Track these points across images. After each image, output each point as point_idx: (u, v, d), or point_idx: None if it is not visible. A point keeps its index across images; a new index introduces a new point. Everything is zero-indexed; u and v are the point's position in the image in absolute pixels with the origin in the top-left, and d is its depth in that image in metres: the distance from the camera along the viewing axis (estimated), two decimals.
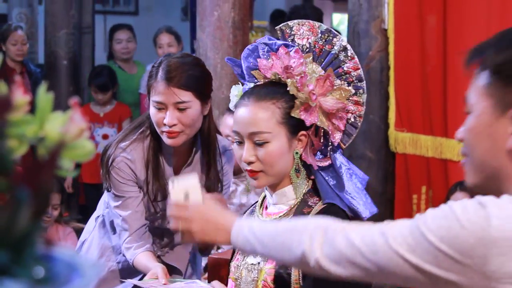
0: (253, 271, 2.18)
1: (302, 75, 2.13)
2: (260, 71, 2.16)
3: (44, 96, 0.94)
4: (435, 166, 4.52)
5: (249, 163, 2.13)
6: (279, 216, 2.18)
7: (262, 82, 2.18)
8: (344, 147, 2.22)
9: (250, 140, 2.13)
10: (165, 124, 2.68)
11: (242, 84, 2.28)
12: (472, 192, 1.57)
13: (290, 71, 2.13)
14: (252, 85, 2.20)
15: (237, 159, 2.21)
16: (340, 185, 2.19)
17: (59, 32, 5.83)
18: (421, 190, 4.63)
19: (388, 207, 4.69)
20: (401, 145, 4.68)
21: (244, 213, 2.36)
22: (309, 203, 2.18)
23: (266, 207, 2.26)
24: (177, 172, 2.83)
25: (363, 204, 2.20)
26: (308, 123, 2.12)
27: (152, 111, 2.72)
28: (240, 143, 2.16)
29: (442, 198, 4.42)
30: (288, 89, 2.12)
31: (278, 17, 6.47)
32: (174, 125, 2.68)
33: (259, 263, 2.17)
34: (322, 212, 2.14)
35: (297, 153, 2.16)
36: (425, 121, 4.55)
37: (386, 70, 4.65)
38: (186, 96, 2.69)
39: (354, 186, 2.21)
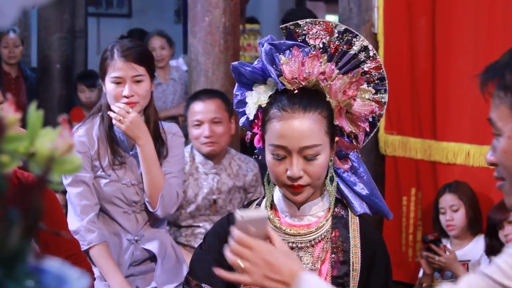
0: None
1: (332, 80, 2.03)
2: (285, 77, 2.01)
3: (35, 113, 0.99)
4: (424, 168, 4.56)
5: (298, 178, 1.99)
6: (315, 229, 2.07)
7: (292, 89, 2.01)
8: (360, 147, 2.12)
9: (300, 154, 1.98)
10: (124, 97, 3.02)
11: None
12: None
13: (326, 76, 2.02)
14: (269, 91, 2.05)
15: (276, 174, 2.02)
16: (364, 186, 2.13)
17: (52, 36, 5.86)
18: (411, 192, 4.67)
19: None
20: (390, 147, 4.73)
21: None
22: (342, 213, 2.11)
23: (276, 214, 2.12)
24: (130, 143, 3.13)
25: (385, 203, 2.16)
26: (346, 130, 2.04)
27: (110, 87, 3.05)
28: (282, 158, 2.01)
29: (430, 200, 4.48)
30: (326, 94, 2.02)
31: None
32: (132, 96, 3.03)
33: None
34: (363, 227, 2.09)
35: (331, 160, 2.07)
36: (415, 124, 4.60)
37: None
38: (141, 69, 3.06)
39: (374, 186, 2.16)
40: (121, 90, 3.03)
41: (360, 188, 2.13)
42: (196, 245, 3.80)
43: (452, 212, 4.08)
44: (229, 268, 2.04)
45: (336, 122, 2.02)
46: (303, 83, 2.00)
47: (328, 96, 2.01)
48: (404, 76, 4.59)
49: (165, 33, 6.33)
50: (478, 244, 4.06)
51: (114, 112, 3.02)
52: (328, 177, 2.07)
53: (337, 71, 2.07)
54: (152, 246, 3.15)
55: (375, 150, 4.75)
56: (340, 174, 2.15)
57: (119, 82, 3.04)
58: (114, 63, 3.04)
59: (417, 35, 4.55)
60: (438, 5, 4.41)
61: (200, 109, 3.81)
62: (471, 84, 4.45)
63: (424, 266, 4.07)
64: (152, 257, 3.19)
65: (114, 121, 3.03)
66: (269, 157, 2.02)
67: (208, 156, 3.89)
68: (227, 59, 4.22)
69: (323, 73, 2.01)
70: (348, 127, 2.04)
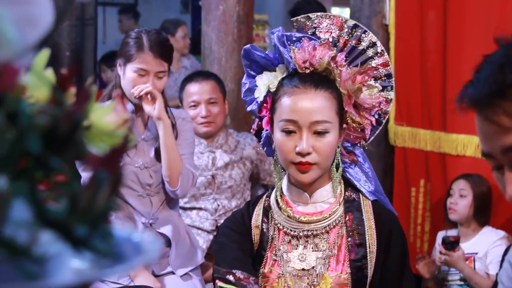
0: (307, 276, 2.06)
1: (343, 68, 2.07)
2: (296, 60, 2.04)
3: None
4: (433, 160, 4.58)
5: (306, 154, 2.01)
6: (329, 214, 2.09)
7: (303, 71, 2.05)
8: (365, 144, 2.16)
9: (310, 129, 2.01)
10: None
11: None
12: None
13: (336, 62, 2.05)
14: (279, 77, 2.09)
15: (284, 151, 2.04)
16: (369, 181, 2.16)
17: (62, 23, 5.87)
18: (420, 184, 4.69)
19: None
20: (400, 139, 4.74)
21: (249, 205, 2.22)
22: (353, 196, 2.14)
23: (288, 204, 2.14)
24: (142, 129, 3.21)
25: (388, 201, 2.19)
26: (354, 116, 2.07)
27: (132, 76, 3.10)
28: (290, 132, 2.03)
29: (440, 192, 4.49)
30: (337, 79, 2.05)
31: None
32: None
33: (313, 267, 2.05)
34: (376, 208, 2.12)
35: (338, 146, 2.09)
36: (424, 116, 4.61)
37: None
38: (165, 66, 3.18)
39: (378, 183, 2.18)
40: (143, 81, 3.10)
41: (364, 183, 2.16)
42: (202, 226, 3.85)
43: (459, 196, 4.10)
44: (252, 255, 2.08)
45: (346, 108, 2.05)
46: (315, 66, 2.03)
47: (338, 82, 2.04)
48: (415, 67, 4.61)
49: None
50: (484, 237, 4.07)
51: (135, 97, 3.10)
52: (334, 163, 2.09)
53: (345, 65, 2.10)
54: (166, 230, 3.19)
55: (385, 141, 4.76)
56: (345, 169, 2.17)
57: (142, 75, 3.11)
58: (143, 55, 3.11)
59: (429, 27, 4.56)
60: None
61: (196, 90, 3.87)
62: None
63: (422, 272, 4.10)
64: (167, 242, 3.22)
65: (145, 104, 3.09)
66: (278, 135, 2.05)
67: (204, 136, 3.93)
68: (241, 48, 4.20)
69: (333, 59, 2.04)
70: (355, 114, 2.07)
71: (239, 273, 2.05)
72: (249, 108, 2.19)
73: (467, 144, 4.37)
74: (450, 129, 4.45)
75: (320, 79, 2.04)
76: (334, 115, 2.03)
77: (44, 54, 0.91)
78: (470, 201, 4.08)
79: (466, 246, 4.09)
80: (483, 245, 4.05)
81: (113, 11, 9.58)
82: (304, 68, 2.05)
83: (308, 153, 2.01)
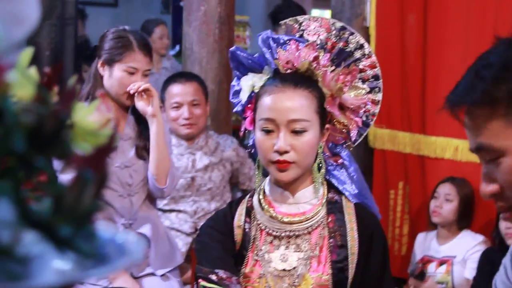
0: (288, 277, 2.06)
1: (327, 68, 2.08)
2: (280, 61, 2.06)
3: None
4: (412, 162, 4.59)
5: (284, 152, 2.01)
6: (311, 215, 2.09)
7: (285, 71, 2.06)
8: (353, 146, 2.16)
9: (287, 128, 2.02)
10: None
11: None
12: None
13: (319, 62, 2.06)
14: (264, 78, 2.10)
15: (263, 150, 2.05)
16: (353, 184, 2.16)
17: (42, 22, 5.83)
18: (398, 186, 4.70)
19: None
20: (379, 141, 4.76)
21: (232, 205, 2.21)
22: (336, 198, 2.14)
23: (270, 204, 2.14)
24: (120, 128, 3.19)
25: (374, 204, 2.20)
26: (336, 116, 2.07)
27: (121, 75, 3.11)
28: (269, 132, 2.04)
29: (419, 194, 4.51)
30: (319, 79, 2.06)
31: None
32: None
33: (295, 268, 2.06)
34: (359, 211, 2.12)
35: (321, 147, 2.09)
36: (404, 118, 4.63)
37: None
38: (151, 65, 3.25)
39: (364, 185, 2.19)
40: (132, 80, 3.12)
41: (349, 187, 2.16)
42: (181, 228, 3.84)
43: (444, 200, 4.12)
44: (234, 255, 2.08)
45: (328, 108, 2.05)
46: (296, 66, 2.05)
47: (321, 83, 2.05)
48: (395, 70, 4.62)
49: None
50: (463, 241, 4.09)
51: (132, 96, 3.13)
52: (316, 163, 2.09)
53: (332, 67, 2.11)
54: (145, 230, 3.18)
55: (364, 143, 4.77)
56: (331, 171, 2.17)
57: (133, 72, 3.13)
58: (134, 54, 3.13)
59: (409, 30, 4.59)
60: (429, 0, 4.44)
61: (179, 91, 3.85)
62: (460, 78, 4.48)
63: None
64: (146, 242, 3.21)
65: (138, 101, 3.10)
66: (258, 134, 2.06)
67: (185, 138, 3.91)
68: (222, 49, 4.23)
69: (316, 59, 2.05)
70: (338, 115, 2.07)
71: (221, 273, 2.05)
72: (235, 109, 2.21)
73: (445, 147, 4.39)
74: (429, 132, 4.47)
75: (300, 78, 2.05)
76: (313, 114, 2.04)
77: (28, 52, 0.90)
78: (456, 206, 4.10)
79: (445, 249, 4.11)
80: (461, 249, 4.07)
81: (93, 11, 9.54)
82: (286, 69, 2.06)
83: (286, 152, 2.01)
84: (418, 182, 4.55)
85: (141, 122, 3.20)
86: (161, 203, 3.87)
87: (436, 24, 4.41)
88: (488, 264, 3.80)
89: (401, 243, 4.71)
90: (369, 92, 2.15)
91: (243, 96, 2.13)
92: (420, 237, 4.30)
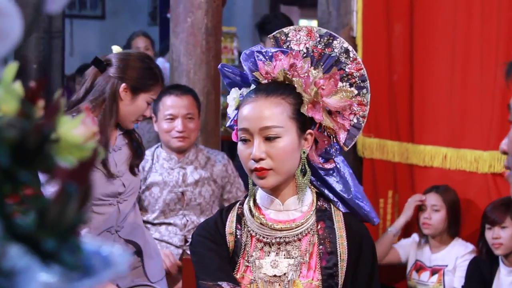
0: (278, 283, 2.09)
1: (307, 74, 2.09)
2: (260, 72, 2.10)
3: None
4: (401, 171, 4.61)
5: (259, 160, 2.05)
6: (301, 222, 2.12)
7: (265, 82, 2.11)
8: (346, 149, 2.16)
9: (260, 135, 2.06)
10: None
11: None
12: None
13: (296, 69, 2.08)
14: (252, 86, 2.14)
15: (243, 159, 2.10)
16: (347, 189, 2.17)
17: (30, 36, 5.83)
18: (388, 195, 4.72)
19: None
20: (368, 150, 4.78)
21: (222, 212, 2.23)
22: (325, 206, 2.16)
23: (261, 211, 2.16)
24: (112, 141, 3.20)
25: (371, 208, 2.20)
26: (317, 120, 2.08)
27: (144, 105, 3.17)
28: (246, 141, 2.08)
29: None
30: (296, 86, 2.07)
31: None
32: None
33: (285, 274, 2.09)
34: (347, 219, 2.15)
35: (304, 152, 2.10)
36: (392, 127, 4.65)
37: None
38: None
39: (360, 190, 2.20)
40: (148, 111, 3.20)
41: (343, 192, 2.17)
42: (171, 241, 3.85)
43: (432, 211, 4.13)
44: (228, 262, 2.10)
45: (308, 113, 2.06)
46: (274, 76, 2.08)
47: (300, 88, 2.07)
48: (382, 79, 4.64)
49: (149, 34, 6.43)
50: (454, 249, 4.11)
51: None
52: (299, 169, 2.11)
53: (313, 70, 2.13)
54: (133, 237, 3.20)
55: (353, 152, 4.79)
56: (324, 177, 2.18)
57: (150, 103, 3.21)
58: (158, 88, 3.22)
59: (395, 39, 4.61)
60: (415, 10, 4.46)
61: (174, 103, 3.84)
62: (448, 88, 4.50)
63: None
64: (136, 251, 3.21)
65: None
66: (239, 145, 2.11)
67: (177, 151, 3.91)
68: (209, 60, 4.25)
69: (293, 65, 2.08)
70: (321, 119, 2.08)
71: (225, 285, 2.07)
72: (227, 124, 2.26)
73: (434, 155, 4.41)
74: (417, 141, 4.49)
75: (275, 86, 2.09)
76: (286, 120, 2.06)
77: (13, 67, 0.90)
78: (444, 214, 4.12)
79: (437, 258, 4.12)
80: (452, 257, 4.08)
81: (80, 24, 9.55)
82: (265, 79, 2.10)
83: (262, 159, 2.05)
84: (407, 191, 4.56)
85: (133, 140, 3.24)
86: (150, 217, 3.87)
87: (422, 33, 4.43)
88: (476, 273, 3.81)
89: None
90: (357, 94, 2.16)
91: (230, 111, 2.19)
92: (410, 240, 4.31)
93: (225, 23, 7.19)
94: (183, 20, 4.26)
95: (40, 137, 0.67)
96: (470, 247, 4.08)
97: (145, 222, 3.88)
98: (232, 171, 4.00)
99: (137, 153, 3.22)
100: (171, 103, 3.84)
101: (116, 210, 3.17)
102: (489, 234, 3.76)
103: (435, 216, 4.12)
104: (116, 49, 3.19)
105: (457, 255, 4.06)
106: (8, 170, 0.65)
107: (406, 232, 4.49)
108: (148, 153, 3.83)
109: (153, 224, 3.89)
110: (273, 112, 2.05)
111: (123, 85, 3.09)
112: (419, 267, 4.18)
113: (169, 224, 3.88)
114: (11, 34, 0.72)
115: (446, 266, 4.08)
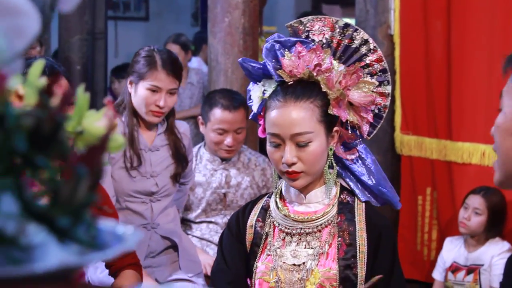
0: (297, 271, 2.15)
1: (331, 72, 2.12)
2: (285, 70, 2.11)
3: (82, 95, 1.07)
4: (439, 168, 4.62)
5: (291, 164, 2.11)
6: (322, 214, 2.18)
7: (289, 82, 2.13)
8: (368, 138, 2.22)
9: (292, 141, 2.10)
10: (156, 105, 3.21)
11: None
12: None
13: (320, 68, 2.11)
14: (273, 85, 2.16)
15: (274, 161, 2.15)
16: (370, 176, 2.21)
17: (72, 37, 5.95)
18: (426, 192, 4.73)
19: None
20: (406, 147, 4.79)
21: (247, 205, 2.32)
22: (348, 199, 2.22)
23: (285, 204, 2.24)
24: (150, 141, 3.32)
25: (394, 194, 2.24)
26: (344, 119, 2.13)
27: (144, 93, 3.20)
28: (277, 145, 2.13)
29: (446, 199, 4.53)
30: (321, 86, 2.10)
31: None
32: (163, 107, 3.22)
33: (304, 263, 2.16)
34: (369, 211, 2.20)
35: (331, 149, 2.16)
36: (430, 124, 4.65)
37: (392, 74, 4.73)
38: (176, 84, 3.28)
39: (382, 175, 2.24)
40: (156, 98, 3.22)
41: (367, 178, 2.22)
42: (212, 239, 3.91)
43: (473, 213, 4.11)
44: (246, 253, 2.18)
45: (334, 112, 2.11)
46: (299, 76, 2.11)
47: (325, 87, 2.10)
48: (420, 76, 4.65)
49: (181, 39, 6.58)
50: (490, 248, 4.09)
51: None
52: (327, 165, 2.17)
53: (338, 64, 2.17)
54: (170, 234, 3.28)
55: (391, 150, 4.81)
56: (348, 165, 2.24)
57: (155, 91, 3.22)
58: (156, 73, 3.21)
59: (433, 37, 4.61)
60: (453, 6, 4.46)
61: (227, 119, 3.80)
62: (486, 85, 4.47)
63: None
64: (169, 248, 3.30)
65: None
66: (268, 146, 2.16)
67: (221, 158, 3.96)
68: None
69: (318, 65, 2.10)
70: (347, 116, 2.13)
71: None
72: (250, 116, 2.29)
73: (472, 152, 4.40)
74: (455, 138, 4.49)
75: (303, 88, 2.12)
76: (316, 124, 2.11)
77: (39, 65, 0.97)
78: (484, 219, 4.09)
79: (472, 257, 4.11)
80: (488, 257, 4.07)
81: (124, 25, 9.68)
82: (291, 76, 2.12)
83: (293, 163, 2.11)
84: (446, 188, 4.56)
85: (177, 148, 3.34)
86: (192, 215, 3.94)
87: (460, 30, 4.43)
88: None
89: (430, 248, 4.72)
90: (378, 85, 2.20)
91: (254, 107, 2.22)
92: (448, 241, 4.31)
93: (267, 23, 7.24)
94: (220, 20, 4.33)
95: (53, 124, 0.74)
96: (507, 245, 4.06)
97: (187, 220, 3.95)
98: (270, 175, 4.03)
99: (180, 162, 3.33)
100: (222, 118, 3.81)
101: (149, 208, 3.26)
102: None
103: (475, 218, 4.10)
104: None
105: (493, 254, 4.05)
106: (26, 154, 0.72)
107: (445, 233, 4.50)
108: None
109: (195, 222, 3.96)
110: (303, 118, 2.09)
111: (129, 80, 3.26)
112: (455, 268, 4.18)
113: (210, 222, 3.94)
114: (29, 32, 0.79)
115: (482, 265, 4.07)
